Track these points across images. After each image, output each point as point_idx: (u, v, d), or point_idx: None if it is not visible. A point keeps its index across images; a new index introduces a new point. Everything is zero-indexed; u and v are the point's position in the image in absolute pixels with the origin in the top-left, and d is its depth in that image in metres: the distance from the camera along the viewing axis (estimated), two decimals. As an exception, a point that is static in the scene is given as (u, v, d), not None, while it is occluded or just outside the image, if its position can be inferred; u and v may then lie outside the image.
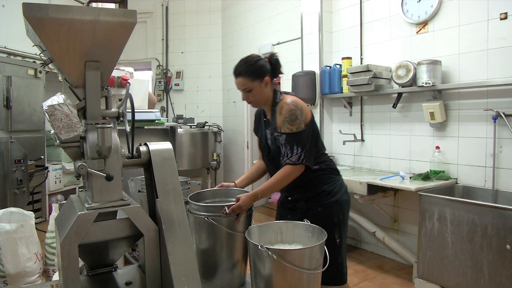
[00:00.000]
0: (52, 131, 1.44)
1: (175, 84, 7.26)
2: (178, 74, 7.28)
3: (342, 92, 4.56)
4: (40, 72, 5.63)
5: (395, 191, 4.01)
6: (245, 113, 6.32)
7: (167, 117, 6.93)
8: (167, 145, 1.64)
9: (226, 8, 7.09)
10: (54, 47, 1.42)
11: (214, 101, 7.17)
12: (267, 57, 2.32)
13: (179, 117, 6.14)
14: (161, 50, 7.40)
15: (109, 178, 1.38)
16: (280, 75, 2.39)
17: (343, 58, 4.54)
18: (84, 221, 1.42)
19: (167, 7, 7.32)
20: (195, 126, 5.83)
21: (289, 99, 2.24)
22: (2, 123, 4.64)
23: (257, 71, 2.25)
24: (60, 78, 5.65)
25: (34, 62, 5.62)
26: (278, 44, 5.61)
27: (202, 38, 7.29)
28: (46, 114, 1.40)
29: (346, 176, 3.89)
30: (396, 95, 4.09)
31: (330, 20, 4.89)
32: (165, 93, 7.25)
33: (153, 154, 1.59)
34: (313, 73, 4.81)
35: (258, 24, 6.23)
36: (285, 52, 5.29)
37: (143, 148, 1.60)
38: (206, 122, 6.04)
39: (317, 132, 2.36)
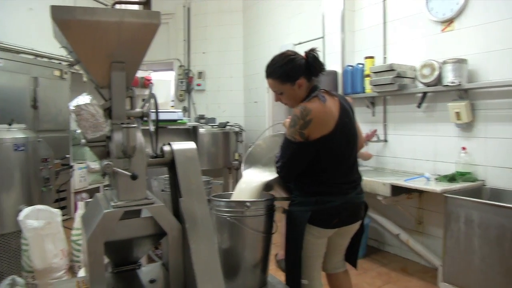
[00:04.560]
0: (79, 131, 1.47)
1: (197, 84, 7.32)
2: (200, 75, 7.34)
3: (364, 92, 4.51)
4: (66, 73, 5.75)
5: (420, 192, 3.93)
6: (267, 113, 6.32)
7: (189, 117, 6.99)
8: (191, 144, 1.66)
9: (247, 8, 7.10)
10: (81, 48, 1.45)
11: (236, 101, 7.20)
12: (306, 52, 2.10)
13: (201, 117, 6.18)
14: (183, 51, 7.47)
15: (134, 177, 1.40)
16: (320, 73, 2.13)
17: (365, 58, 4.49)
18: (110, 219, 1.44)
19: (189, 8, 7.38)
20: (216, 126, 5.85)
21: (310, 104, 1.99)
22: (30, 123, 4.75)
23: (287, 74, 2.07)
24: (84, 79, 5.77)
25: (59, 63, 5.75)
26: (299, 44, 5.59)
27: (223, 38, 7.32)
28: (73, 114, 1.43)
29: (369, 177, 3.85)
30: (420, 94, 4.02)
31: (352, 18, 4.84)
32: (187, 93, 7.32)
33: (177, 153, 1.60)
34: (335, 73, 4.77)
35: (279, 24, 6.22)
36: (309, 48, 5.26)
37: (166, 148, 1.62)
38: (227, 122, 6.06)
39: (328, 154, 2.05)
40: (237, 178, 6.17)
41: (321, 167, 2.08)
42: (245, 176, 2.30)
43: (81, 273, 3.16)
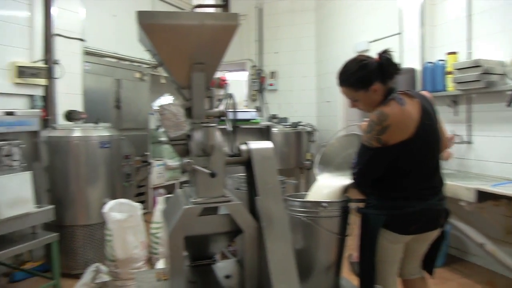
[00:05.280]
0: (162, 130, 1.54)
1: (269, 84, 7.36)
2: (272, 74, 7.38)
3: (446, 90, 4.25)
4: (145, 75, 6.09)
5: (510, 199, 3.63)
6: (340, 112, 6.21)
7: (261, 117, 7.06)
8: (268, 144, 1.67)
9: (320, 6, 7.01)
10: (164, 51, 1.52)
11: (308, 100, 7.14)
12: (379, 54, 1.99)
13: (273, 116, 6.22)
14: (255, 51, 7.55)
15: (213, 175, 1.44)
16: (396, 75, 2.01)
17: (447, 53, 4.23)
18: (190, 215, 1.50)
19: (261, 9, 7.45)
20: (288, 126, 5.86)
21: (387, 108, 1.89)
22: (113, 122, 5.08)
23: (360, 81, 1.98)
24: (162, 80, 6.03)
25: (139, 65, 6.09)
26: (374, 41, 5.41)
27: (295, 38, 7.29)
28: (157, 113, 1.50)
29: (451, 180, 3.62)
30: (510, 92, 3.71)
31: (433, 12, 4.59)
32: (259, 93, 7.40)
33: (254, 152, 1.63)
34: (412, 71, 4.55)
35: (353, 22, 6.06)
36: (382, 49, 5.08)
37: (244, 147, 1.65)
38: (299, 121, 6.04)
39: (408, 159, 1.95)
40: (308, 178, 6.13)
41: (400, 172, 1.99)
42: (321, 180, 2.27)
43: (159, 264, 3.33)
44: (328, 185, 2.19)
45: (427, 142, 1.98)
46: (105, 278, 3.48)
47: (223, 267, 2.05)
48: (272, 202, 1.61)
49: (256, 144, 1.67)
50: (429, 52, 4.58)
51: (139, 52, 5.88)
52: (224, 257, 3.40)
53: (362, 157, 1.96)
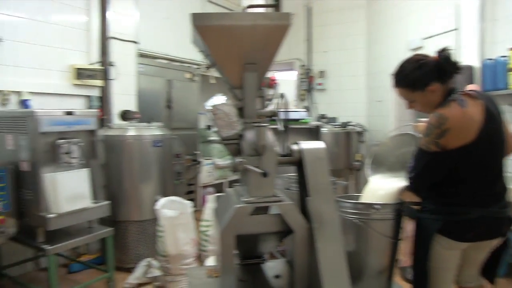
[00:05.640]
0: (214, 129, 1.56)
1: (318, 84, 7.29)
2: (321, 74, 7.29)
3: (508, 88, 4.02)
4: (196, 75, 6.21)
5: None
6: (392, 112, 6.03)
7: (310, 116, 7.00)
8: (320, 144, 1.66)
9: (371, 3, 6.84)
10: (217, 51, 1.55)
11: (358, 100, 7.00)
12: (437, 52, 1.90)
13: (322, 116, 6.15)
14: (304, 50, 7.50)
15: (265, 174, 1.45)
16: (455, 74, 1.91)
17: (510, 49, 4.00)
18: (241, 214, 1.51)
19: (310, 8, 7.39)
20: (338, 126, 5.76)
21: (447, 111, 1.79)
22: (165, 122, 5.22)
23: (416, 82, 1.90)
24: (212, 81, 6.13)
25: (190, 66, 6.22)
26: (429, 37, 5.21)
27: (345, 36, 7.17)
28: (210, 113, 1.52)
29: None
30: None
31: (494, 6, 4.35)
32: (308, 93, 7.34)
33: (306, 153, 1.61)
34: (470, 68, 4.33)
35: (406, 18, 5.86)
36: (436, 46, 4.87)
37: (295, 147, 1.64)
38: (349, 121, 5.93)
39: (468, 164, 1.85)
40: (358, 179, 6.01)
41: (460, 178, 1.89)
42: (374, 182, 2.21)
43: (209, 262, 3.38)
44: (382, 187, 2.12)
45: (490, 147, 1.86)
46: (156, 272, 3.59)
47: (273, 267, 2.04)
48: (323, 203, 1.59)
49: (307, 144, 1.65)
50: (489, 48, 4.35)
51: (189, 53, 6.03)
52: (272, 256, 3.40)
53: (419, 161, 1.87)
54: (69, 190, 3.02)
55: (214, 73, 6.27)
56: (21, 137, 3.03)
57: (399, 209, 1.99)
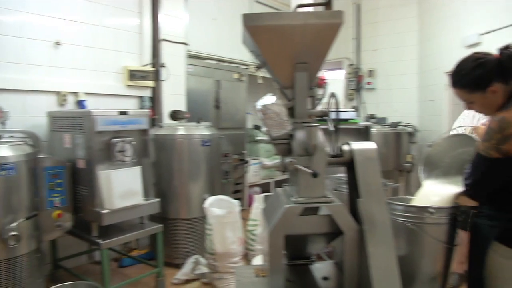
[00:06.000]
0: (264, 129, 1.57)
1: (367, 83, 7.14)
2: (370, 73, 7.14)
3: None
4: (243, 75, 6.26)
5: None
6: (445, 112, 5.79)
7: (358, 116, 6.87)
8: (371, 145, 1.62)
9: (423, -1, 6.62)
10: (268, 51, 1.55)
11: (409, 99, 6.78)
12: (500, 49, 1.78)
13: (371, 116, 6.01)
14: (352, 49, 7.38)
15: (315, 175, 1.43)
16: None
17: None
18: (291, 214, 1.51)
19: (359, 5, 7.26)
20: (387, 126, 5.61)
21: (510, 114, 1.67)
22: (213, 121, 5.31)
23: (475, 82, 1.79)
24: (259, 80, 6.16)
25: (238, 67, 6.29)
26: (487, 33, 4.95)
27: (395, 33, 6.97)
28: (260, 113, 1.53)
29: None
30: None
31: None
32: (356, 92, 7.21)
33: (356, 153, 1.58)
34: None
35: (461, 12, 5.59)
36: (496, 42, 4.60)
37: (346, 147, 1.61)
38: (399, 122, 5.76)
39: None
40: (408, 181, 5.83)
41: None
42: (428, 186, 2.13)
43: (255, 261, 3.40)
44: (437, 192, 2.03)
45: None
46: (204, 269, 3.66)
47: (320, 268, 2.02)
48: (374, 204, 1.56)
49: (358, 145, 1.62)
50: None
51: (237, 53, 6.10)
52: (319, 258, 3.37)
53: (478, 167, 1.76)
54: (122, 187, 3.14)
55: (261, 73, 6.30)
56: (77, 136, 3.18)
57: (455, 213, 1.91)
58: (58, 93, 3.79)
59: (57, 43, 3.77)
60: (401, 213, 1.93)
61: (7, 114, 3.13)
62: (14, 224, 2.59)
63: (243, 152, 6.01)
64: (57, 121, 3.44)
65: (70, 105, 3.89)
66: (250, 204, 6.01)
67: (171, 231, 3.97)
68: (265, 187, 6.53)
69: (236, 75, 6.18)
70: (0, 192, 2.58)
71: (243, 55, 6.22)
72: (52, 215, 2.94)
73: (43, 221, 2.89)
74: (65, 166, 3.05)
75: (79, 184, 3.22)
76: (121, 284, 3.33)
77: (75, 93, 3.92)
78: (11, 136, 2.99)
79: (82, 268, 3.98)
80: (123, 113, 3.26)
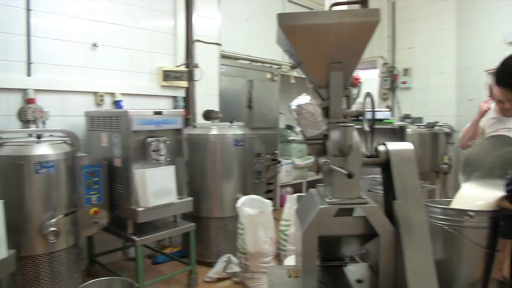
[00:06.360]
0: (299, 129, 1.56)
1: (402, 82, 6.98)
2: (406, 72, 6.98)
3: None
4: (276, 75, 6.26)
5: None
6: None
7: (392, 116, 6.73)
8: (408, 145, 1.58)
9: (462, -5, 6.41)
10: (303, 51, 1.54)
11: (446, 99, 6.58)
12: None
13: (406, 116, 5.88)
14: (387, 48, 7.24)
15: (350, 175, 1.41)
16: None
17: None
18: (325, 215, 1.49)
19: (394, 2, 7.11)
20: (423, 126, 5.48)
21: None
22: (245, 121, 5.33)
23: None
24: (292, 80, 6.15)
25: (270, 66, 6.29)
26: (531, 30, 4.75)
27: (432, 31, 6.78)
28: (294, 113, 1.52)
29: None
30: None
31: None
32: (390, 92, 7.07)
33: (393, 154, 1.55)
34: None
35: (503, 8, 5.37)
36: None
37: (381, 148, 1.58)
38: (436, 122, 5.60)
39: None
40: (445, 183, 5.67)
41: None
42: (469, 189, 2.05)
43: (287, 261, 3.38)
44: (479, 195, 1.96)
45: None
46: (236, 268, 3.68)
47: (354, 271, 1.99)
48: (412, 207, 1.52)
49: (395, 145, 1.59)
50: None
51: (270, 53, 6.10)
52: (352, 259, 3.32)
53: None
54: (157, 186, 3.20)
55: (294, 73, 6.28)
56: (114, 135, 3.27)
57: (497, 217, 1.84)
58: (95, 93, 3.91)
59: (94, 45, 3.89)
60: (438, 216, 1.87)
61: (47, 114, 3.24)
62: (53, 220, 2.69)
63: (276, 152, 6.00)
64: (94, 120, 3.54)
65: (107, 105, 4.00)
66: (281, 204, 6.01)
67: (203, 230, 4.01)
68: (296, 188, 6.50)
69: (268, 75, 6.18)
70: (40, 189, 2.69)
71: (276, 55, 6.22)
72: (89, 212, 3.03)
73: (80, 217, 2.99)
74: (102, 164, 3.14)
75: (115, 182, 3.30)
76: (155, 280, 3.39)
77: (111, 94, 4.03)
78: (51, 135, 3.11)
79: (117, 264, 4.09)
80: (158, 113, 3.32)
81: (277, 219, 3.91)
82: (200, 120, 4.64)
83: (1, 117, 3.27)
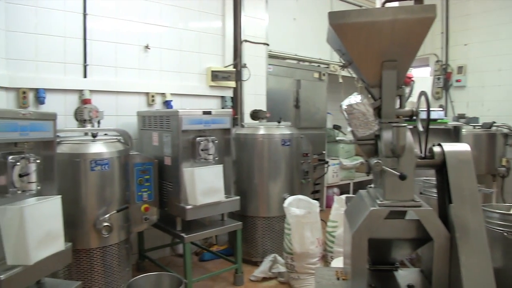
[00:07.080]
0: (349, 129, 1.53)
1: (456, 80, 6.69)
2: (460, 69, 6.68)
3: None
4: (324, 75, 6.18)
5: None
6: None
7: (445, 116, 6.47)
8: (464, 146, 1.51)
9: (524, -12, 6.04)
10: (354, 49, 1.51)
11: (504, 98, 6.23)
12: None
13: (460, 116, 5.62)
14: (440, 45, 6.96)
15: (402, 177, 1.37)
16: None
17: None
18: (376, 217, 1.45)
19: (447, -2, 6.85)
20: (479, 127, 5.21)
21: None
22: (293, 121, 5.30)
23: None
24: (340, 80, 6.05)
25: (318, 66, 6.21)
26: None
27: (490, 26, 6.44)
28: (345, 112, 1.49)
29: None
30: None
31: None
32: (444, 91, 6.79)
33: (449, 155, 1.49)
34: None
35: None
36: None
37: (437, 149, 1.52)
38: (493, 122, 5.32)
39: None
40: (503, 187, 5.38)
41: None
42: None
43: (334, 263, 3.34)
44: None
45: None
46: (282, 268, 3.67)
47: (405, 275, 1.93)
48: (468, 211, 1.45)
49: (450, 146, 1.52)
50: None
51: (318, 52, 6.04)
52: (401, 264, 3.22)
53: None
54: (205, 184, 3.24)
55: (342, 72, 6.18)
56: (165, 134, 3.36)
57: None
58: (147, 94, 4.03)
59: (146, 47, 4.01)
60: (497, 221, 1.78)
61: (102, 113, 3.38)
62: (106, 216, 2.80)
63: (323, 152, 5.92)
64: (146, 120, 3.66)
65: (158, 105, 4.12)
66: (328, 205, 5.94)
67: (250, 229, 4.03)
68: (343, 189, 6.40)
69: (316, 75, 6.11)
70: (95, 186, 2.81)
71: (324, 54, 6.15)
72: (140, 208, 3.13)
73: (132, 213, 3.10)
74: (153, 162, 3.23)
75: (165, 180, 3.39)
76: (202, 277, 3.45)
77: (162, 94, 4.14)
78: (106, 134, 3.23)
79: (166, 259, 4.20)
80: (207, 112, 3.37)
81: (323, 220, 3.86)
82: (247, 120, 4.67)
83: (59, 117, 3.44)
